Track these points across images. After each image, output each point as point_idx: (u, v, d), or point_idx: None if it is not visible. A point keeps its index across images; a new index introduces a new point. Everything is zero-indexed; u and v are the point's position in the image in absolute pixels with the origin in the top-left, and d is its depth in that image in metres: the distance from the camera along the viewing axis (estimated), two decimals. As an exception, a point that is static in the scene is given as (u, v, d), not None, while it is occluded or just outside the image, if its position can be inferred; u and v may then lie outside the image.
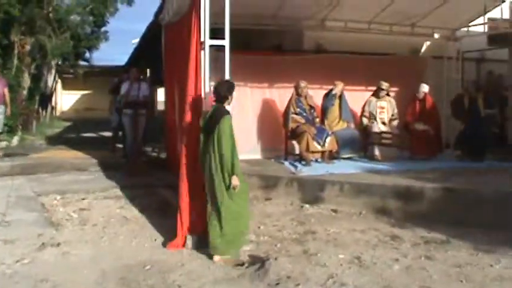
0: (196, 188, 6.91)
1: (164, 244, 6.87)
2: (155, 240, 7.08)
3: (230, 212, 6.37)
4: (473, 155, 11.03)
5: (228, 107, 6.77)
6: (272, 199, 9.16)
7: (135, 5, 23.34)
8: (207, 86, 7.04)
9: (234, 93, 6.96)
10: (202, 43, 7.08)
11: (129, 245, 6.90)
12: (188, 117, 7.07)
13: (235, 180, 6.31)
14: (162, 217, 7.94)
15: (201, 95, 7.01)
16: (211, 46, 7.16)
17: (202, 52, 7.10)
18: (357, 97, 12.24)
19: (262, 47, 14.32)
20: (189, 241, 6.75)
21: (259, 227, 7.64)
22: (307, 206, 8.80)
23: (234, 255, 6.42)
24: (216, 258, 6.34)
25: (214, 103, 6.76)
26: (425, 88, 11.58)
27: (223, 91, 6.70)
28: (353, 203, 8.62)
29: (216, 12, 7.25)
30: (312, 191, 8.98)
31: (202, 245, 6.64)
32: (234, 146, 6.44)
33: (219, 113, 6.49)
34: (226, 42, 7.15)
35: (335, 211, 8.53)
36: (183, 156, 7.05)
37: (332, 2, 11.32)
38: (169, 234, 6.99)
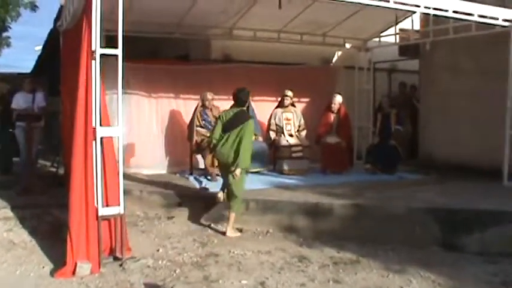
0: (88, 207, 6.31)
1: (52, 272, 6.19)
2: (43, 267, 6.38)
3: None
4: (384, 168, 10.81)
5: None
6: (175, 218, 8.61)
7: (40, 10, 22.27)
8: (97, 97, 6.39)
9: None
10: (94, 52, 6.41)
11: (12, 274, 6.19)
12: (77, 130, 6.42)
13: (238, 172, 7.67)
14: (54, 241, 7.19)
15: (91, 107, 6.36)
16: (103, 55, 6.52)
17: (93, 62, 6.43)
18: (266, 108, 11.87)
19: (170, 56, 13.82)
20: (80, 269, 6.10)
21: (158, 250, 7.08)
22: (211, 225, 8.27)
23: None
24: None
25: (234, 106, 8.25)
26: (339, 99, 11.24)
27: (244, 97, 8.05)
28: (259, 221, 8.15)
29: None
30: (216, 209, 8.44)
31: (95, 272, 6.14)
32: (251, 147, 7.89)
33: (244, 116, 7.85)
34: (119, 51, 6.55)
35: (240, 230, 8.02)
36: (73, 172, 6.40)
37: (240, 10, 10.84)
38: (59, 261, 6.32)
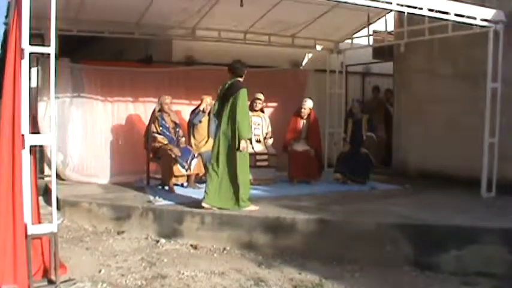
0: (15, 224, 5.53)
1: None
2: (-34, 292, 5.61)
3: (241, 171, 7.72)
4: (355, 178, 10.15)
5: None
6: (125, 233, 7.87)
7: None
8: (26, 100, 5.62)
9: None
10: (23, 50, 5.65)
11: None
12: (3, 137, 5.64)
13: (243, 143, 7.65)
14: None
15: (19, 111, 5.60)
16: (35, 54, 5.80)
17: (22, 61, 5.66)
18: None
19: (134, 58, 13.10)
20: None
21: (100, 271, 6.31)
22: (163, 241, 7.52)
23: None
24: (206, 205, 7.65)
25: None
26: (310, 104, 10.57)
27: (240, 68, 7.98)
28: (216, 237, 7.41)
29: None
30: (169, 223, 7.73)
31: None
32: (247, 115, 7.91)
33: (237, 86, 7.78)
34: (51, 50, 5.75)
35: (195, 247, 7.30)
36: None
37: (202, 8, 10.11)
38: (-13, 284, 5.55)
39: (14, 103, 5.65)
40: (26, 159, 5.60)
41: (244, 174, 7.79)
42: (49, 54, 5.81)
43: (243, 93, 7.68)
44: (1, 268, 5.44)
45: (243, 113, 7.68)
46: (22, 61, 5.65)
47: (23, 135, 5.59)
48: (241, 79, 7.96)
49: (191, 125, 10.04)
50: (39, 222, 5.84)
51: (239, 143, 7.61)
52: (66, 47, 11.18)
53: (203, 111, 10.07)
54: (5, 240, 5.51)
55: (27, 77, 5.66)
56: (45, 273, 5.87)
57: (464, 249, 6.59)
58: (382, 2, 7.86)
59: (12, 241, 5.55)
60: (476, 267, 6.45)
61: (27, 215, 5.61)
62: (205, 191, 7.73)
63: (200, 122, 10.01)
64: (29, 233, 5.59)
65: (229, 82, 7.96)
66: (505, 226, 6.89)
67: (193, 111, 10.15)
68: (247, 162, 7.93)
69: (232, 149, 7.67)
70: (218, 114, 7.95)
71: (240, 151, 7.65)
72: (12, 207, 5.58)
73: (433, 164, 10.56)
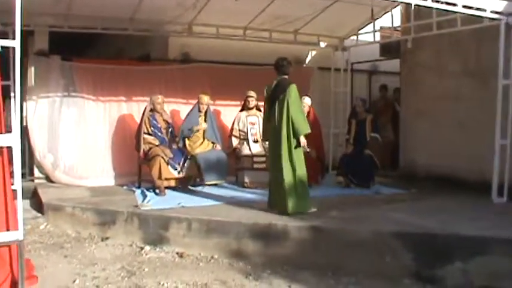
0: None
1: None
2: None
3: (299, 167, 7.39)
4: (358, 181, 9.61)
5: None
6: (109, 239, 7.40)
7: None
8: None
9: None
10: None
11: None
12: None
13: (303, 139, 7.38)
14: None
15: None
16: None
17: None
18: (229, 113, 10.78)
19: (133, 56, 12.62)
20: None
21: (74, 281, 5.85)
22: (148, 248, 7.04)
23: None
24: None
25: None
26: (308, 101, 9.99)
27: (285, 66, 7.65)
28: (203, 244, 6.92)
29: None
30: (155, 230, 7.26)
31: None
32: (301, 110, 7.59)
33: (285, 83, 7.52)
34: (16, 43, 5.29)
35: (180, 255, 6.80)
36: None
37: (197, 2, 9.59)
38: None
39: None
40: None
41: (302, 172, 7.48)
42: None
43: (293, 88, 7.39)
44: (-38, 279, 5.02)
45: (297, 108, 7.39)
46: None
47: (-16, 136, 5.15)
48: (287, 77, 7.64)
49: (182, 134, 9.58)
50: (8, 229, 5.36)
51: (297, 140, 7.34)
52: (67, 46, 10.72)
53: (199, 111, 9.61)
54: (-34, 249, 5.09)
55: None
56: (14, 284, 5.41)
57: (471, 261, 6.03)
58: (384, -8, 7.34)
59: (-25, 250, 5.12)
60: (484, 281, 5.91)
61: (-11, 222, 5.17)
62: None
63: (192, 135, 9.57)
64: (-9, 241, 5.14)
65: (275, 81, 7.69)
66: (516, 235, 6.31)
67: (187, 115, 9.68)
68: (303, 160, 7.55)
69: (289, 148, 7.35)
70: (268, 119, 7.73)
71: (300, 148, 7.42)
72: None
73: (442, 166, 9.96)
